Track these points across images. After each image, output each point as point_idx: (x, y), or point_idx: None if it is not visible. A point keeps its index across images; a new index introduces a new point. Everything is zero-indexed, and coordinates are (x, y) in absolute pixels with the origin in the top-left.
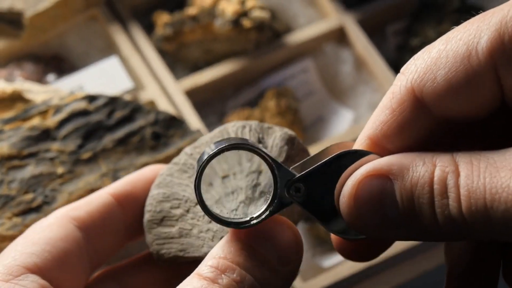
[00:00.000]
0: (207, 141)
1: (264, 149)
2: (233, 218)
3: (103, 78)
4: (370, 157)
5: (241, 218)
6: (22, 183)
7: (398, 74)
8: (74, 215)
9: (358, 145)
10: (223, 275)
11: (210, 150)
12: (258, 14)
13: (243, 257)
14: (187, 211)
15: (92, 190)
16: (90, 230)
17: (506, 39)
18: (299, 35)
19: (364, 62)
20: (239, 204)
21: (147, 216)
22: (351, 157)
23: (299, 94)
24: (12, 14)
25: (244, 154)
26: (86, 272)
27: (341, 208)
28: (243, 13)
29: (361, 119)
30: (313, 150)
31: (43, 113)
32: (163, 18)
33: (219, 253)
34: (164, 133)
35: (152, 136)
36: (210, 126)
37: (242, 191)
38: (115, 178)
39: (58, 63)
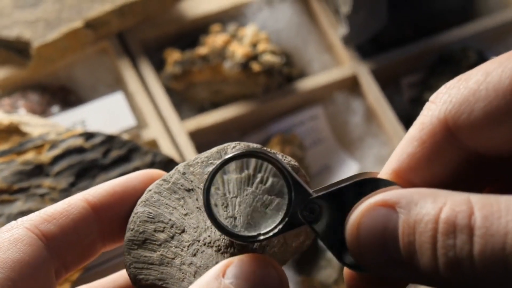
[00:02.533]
0: (203, 160)
1: (284, 163)
2: (239, 231)
3: (106, 114)
4: (391, 188)
5: (248, 232)
6: (9, 218)
7: (428, 103)
8: (45, 230)
9: (382, 177)
10: None
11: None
12: (268, 58)
13: None
14: (172, 237)
15: None
16: (60, 246)
17: None
18: (311, 82)
19: (375, 114)
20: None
21: (128, 235)
22: (371, 185)
23: (307, 141)
24: (20, 43)
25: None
26: None
27: (346, 236)
28: (254, 57)
29: None
30: None
31: (39, 148)
32: (173, 56)
33: None
34: None
35: None
36: None
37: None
38: None
39: (64, 95)
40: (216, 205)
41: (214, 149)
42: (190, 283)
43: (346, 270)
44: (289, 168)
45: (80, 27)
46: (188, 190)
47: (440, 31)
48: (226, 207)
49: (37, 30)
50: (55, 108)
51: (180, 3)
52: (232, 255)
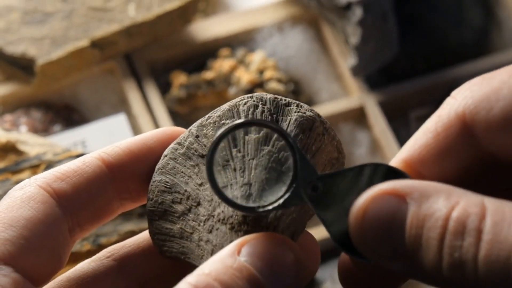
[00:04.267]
0: (215, 120)
1: (292, 137)
2: (240, 202)
3: (107, 135)
4: (401, 179)
5: (248, 204)
6: None
7: (448, 98)
8: (58, 188)
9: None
10: None
11: (228, 124)
12: (273, 86)
13: (228, 276)
14: (189, 210)
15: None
16: (73, 205)
17: None
18: (317, 111)
19: (380, 147)
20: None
21: (148, 205)
22: (381, 171)
23: None
24: (25, 59)
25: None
26: (65, 254)
27: (349, 219)
28: (259, 84)
29: None
30: (318, 231)
31: (34, 168)
32: (179, 79)
33: (205, 268)
34: None
35: None
36: None
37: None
38: (95, 243)
39: (68, 114)
40: (235, 170)
41: (226, 106)
42: None
43: (340, 264)
44: (297, 144)
45: (86, 46)
46: (202, 156)
47: (453, 65)
48: (243, 171)
49: (43, 47)
50: (57, 127)
51: (190, 25)
52: (246, 232)
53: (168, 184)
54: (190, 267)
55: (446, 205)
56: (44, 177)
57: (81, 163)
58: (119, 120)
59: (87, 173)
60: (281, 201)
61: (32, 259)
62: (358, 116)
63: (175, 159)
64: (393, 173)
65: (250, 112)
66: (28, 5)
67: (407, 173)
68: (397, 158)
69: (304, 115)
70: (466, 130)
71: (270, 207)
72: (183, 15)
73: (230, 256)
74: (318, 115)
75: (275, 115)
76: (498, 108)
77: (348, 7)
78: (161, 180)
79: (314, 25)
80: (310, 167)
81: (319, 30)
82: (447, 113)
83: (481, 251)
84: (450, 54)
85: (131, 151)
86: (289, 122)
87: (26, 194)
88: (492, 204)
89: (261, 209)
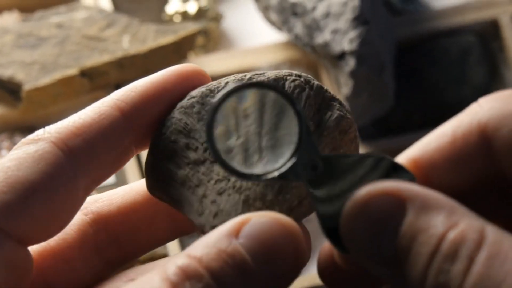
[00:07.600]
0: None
1: (300, 106)
2: (237, 166)
3: None
4: (406, 178)
5: (242, 169)
6: None
7: (473, 104)
8: (72, 145)
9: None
10: (186, 283)
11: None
12: None
13: (219, 263)
14: (203, 162)
15: None
16: (89, 164)
17: None
18: None
19: None
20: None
21: (156, 139)
22: (388, 166)
23: None
24: (12, 84)
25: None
26: (68, 216)
27: (344, 211)
28: None
29: None
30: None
31: None
32: None
33: (198, 250)
34: None
35: None
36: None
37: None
38: None
39: None
40: (237, 136)
41: (272, 74)
42: (207, 222)
43: (320, 256)
44: (306, 117)
45: (74, 74)
46: None
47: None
48: (245, 136)
49: (31, 72)
50: None
51: (185, 61)
52: (257, 209)
53: (188, 126)
54: (168, 225)
55: (444, 223)
56: (59, 132)
57: (96, 115)
58: None
59: (103, 127)
60: (276, 173)
61: (27, 225)
62: None
63: (203, 104)
64: (398, 170)
65: (296, 92)
66: (24, 28)
67: (414, 173)
68: (406, 155)
69: (345, 116)
70: (485, 142)
71: (263, 177)
72: (178, 50)
73: (227, 236)
74: (354, 123)
75: (317, 105)
76: None
77: (341, 56)
78: (181, 119)
79: (313, 69)
80: (314, 144)
81: (317, 75)
82: (469, 120)
83: (467, 282)
84: (448, 111)
85: (148, 95)
86: (329, 118)
87: (39, 153)
88: (492, 233)
89: (254, 178)
